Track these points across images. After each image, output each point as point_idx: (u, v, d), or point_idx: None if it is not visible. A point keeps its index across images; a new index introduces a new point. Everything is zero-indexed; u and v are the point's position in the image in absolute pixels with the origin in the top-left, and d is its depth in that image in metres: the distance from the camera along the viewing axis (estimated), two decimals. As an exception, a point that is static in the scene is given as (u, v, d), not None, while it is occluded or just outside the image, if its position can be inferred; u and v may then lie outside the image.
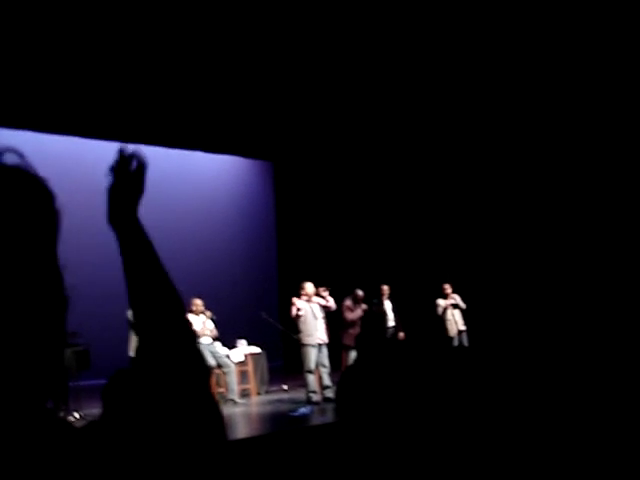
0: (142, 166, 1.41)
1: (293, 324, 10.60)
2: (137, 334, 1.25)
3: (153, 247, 1.35)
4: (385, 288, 12.13)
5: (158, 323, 1.24)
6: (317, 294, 10.38)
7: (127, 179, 1.38)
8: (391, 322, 12.03)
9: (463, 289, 12.57)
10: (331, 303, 10.44)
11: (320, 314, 10.30)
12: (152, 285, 1.29)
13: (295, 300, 10.25)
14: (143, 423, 1.06)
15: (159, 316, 1.25)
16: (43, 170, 1.01)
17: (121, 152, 1.39)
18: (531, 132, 13.32)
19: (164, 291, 1.30)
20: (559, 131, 13.03)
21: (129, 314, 9.37)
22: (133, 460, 0.99)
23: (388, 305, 12.11)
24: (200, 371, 1.21)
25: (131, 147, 1.42)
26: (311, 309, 10.21)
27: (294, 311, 10.18)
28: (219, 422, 1.16)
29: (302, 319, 10.16)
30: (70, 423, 1.01)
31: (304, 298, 10.22)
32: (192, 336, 1.28)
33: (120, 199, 1.36)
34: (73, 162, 12.97)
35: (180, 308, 1.29)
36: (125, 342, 9.55)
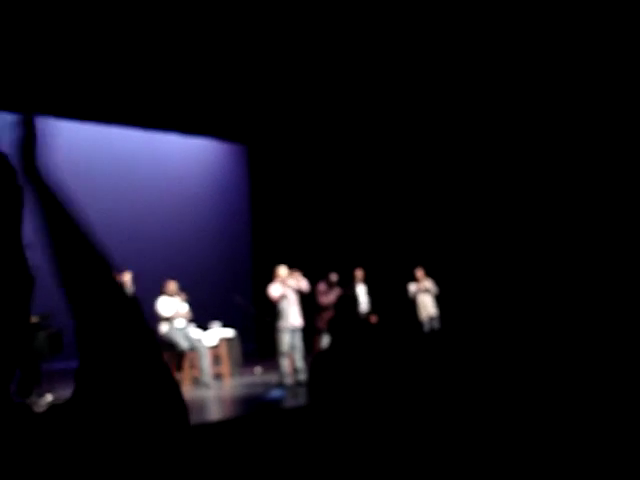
0: (28, 122, 1.39)
1: (267, 307, 10.61)
2: (68, 303, 1.18)
3: (64, 199, 1.28)
4: (359, 272, 12.18)
5: (83, 285, 1.17)
6: (290, 277, 10.39)
7: (22, 130, 1.36)
8: (364, 306, 12.08)
9: (435, 274, 12.64)
10: (304, 285, 10.45)
11: (295, 297, 10.32)
12: (71, 243, 1.23)
13: (271, 285, 10.25)
14: (109, 405, 1.06)
15: (82, 276, 1.18)
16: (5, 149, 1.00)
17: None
18: (500, 122, 13.39)
19: (83, 249, 1.23)
20: (529, 123, 13.11)
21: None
22: (94, 444, 0.99)
23: (361, 289, 12.15)
24: (143, 333, 1.16)
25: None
26: (286, 292, 10.23)
27: (276, 294, 10.15)
28: (179, 401, 1.15)
29: (277, 303, 10.17)
30: (29, 407, 0.99)
31: (278, 282, 10.23)
32: (122, 294, 1.20)
33: (23, 151, 1.34)
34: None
35: (102, 264, 1.22)
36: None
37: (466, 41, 11.32)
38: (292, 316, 10.17)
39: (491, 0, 10.24)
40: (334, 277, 11.45)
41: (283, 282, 10.22)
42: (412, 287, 12.33)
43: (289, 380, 9.98)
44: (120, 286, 1.19)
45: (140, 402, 1.09)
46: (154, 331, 1.19)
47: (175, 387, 1.17)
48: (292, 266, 10.55)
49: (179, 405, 1.16)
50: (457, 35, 11.13)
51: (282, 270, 10.29)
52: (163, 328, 10.46)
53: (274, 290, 10.18)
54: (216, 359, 11.47)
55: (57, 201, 1.24)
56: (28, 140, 1.33)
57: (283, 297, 10.16)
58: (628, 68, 11.48)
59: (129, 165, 13.58)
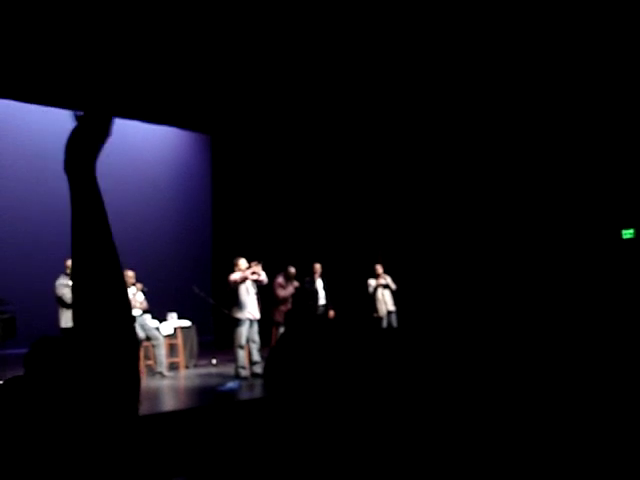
0: (109, 116, 1.36)
1: (225, 299, 10.58)
2: (73, 291, 1.21)
3: (103, 203, 1.30)
4: (317, 266, 12.19)
5: (96, 284, 1.21)
6: (249, 268, 10.38)
7: (90, 126, 1.33)
8: (322, 300, 12.10)
9: (394, 270, 12.72)
10: (263, 277, 10.44)
11: (253, 289, 10.31)
12: (95, 240, 1.26)
13: (231, 275, 10.24)
14: (60, 389, 1.06)
15: (97, 276, 1.22)
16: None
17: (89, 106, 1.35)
18: (462, 119, 13.50)
19: (105, 248, 1.26)
20: (495, 121, 13.24)
21: (58, 290, 9.23)
22: (40, 424, 0.99)
23: (320, 283, 12.18)
24: (130, 341, 1.20)
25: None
26: (245, 284, 10.21)
27: (236, 277, 10.13)
28: (135, 396, 1.16)
29: (235, 292, 10.16)
30: None
31: (238, 272, 10.21)
32: (127, 301, 1.25)
33: (79, 146, 1.31)
34: (6, 126, 12.63)
35: (118, 272, 1.27)
36: (52, 310, 9.40)
37: (449, 40, 11.38)
38: (250, 307, 10.16)
39: (491, 0, 10.29)
40: (292, 270, 11.45)
41: (243, 273, 10.21)
42: (372, 282, 12.39)
43: (245, 372, 9.97)
44: (125, 293, 1.24)
45: (102, 394, 1.10)
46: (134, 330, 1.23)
47: (136, 379, 1.18)
48: (252, 258, 10.53)
49: (134, 394, 1.16)
50: (438, 33, 11.19)
51: (242, 261, 10.28)
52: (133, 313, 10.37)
53: (234, 275, 10.16)
54: (172, 349, 11.42)
55: (92, 203, 1.25)
56: (81, 136, 1.30)
57: (242, 287, 10.14)
58: (628, 68, 11.61)
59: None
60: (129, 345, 1.20)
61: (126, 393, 1.15)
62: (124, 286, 1.27)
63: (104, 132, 1.33)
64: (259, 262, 10.46)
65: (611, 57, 11.73)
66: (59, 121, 12.90)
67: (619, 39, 11.17)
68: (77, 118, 1.32)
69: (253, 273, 10.28)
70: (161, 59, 11.29)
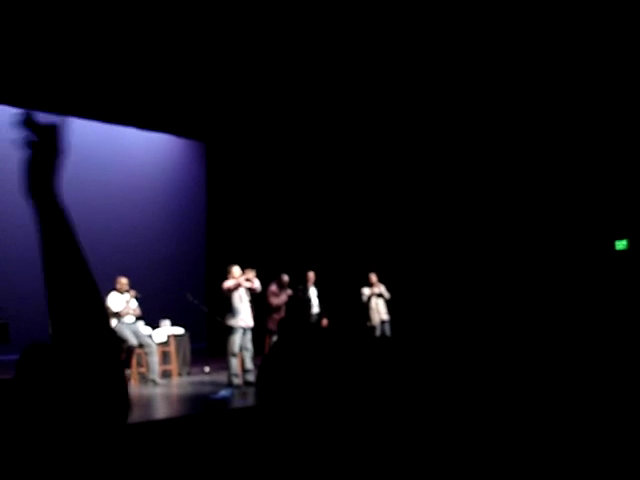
0: (54, 131, 1.37)
1: (219, 307, 10.57)
2: (49, 310, 1.22)
3: (69, 222, 1.31)
4: (311, 275, 12.18)
5: (70, 301, 1.22)
6: (243, 276, 10.36)
7: (42, 148, 1.33)
8: (315, 309, 12.09)
9: (387, 279, 12.72)
10: (256, 285, 10.43)
11: (246, 297, 10.30)
12: (65, 261, 1.26)
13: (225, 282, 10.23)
14: (49, 396, 1.06)
15: (71, 294, 1.23)
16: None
17: (28, 121, 1.35)
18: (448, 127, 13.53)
19: (76, 267, 1.27)
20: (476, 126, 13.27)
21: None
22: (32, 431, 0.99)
23: (313, 292, 12.17)
24: (110, 353, 1.20)
25: (38, 115, 1.39)
26: (238, 292, 10.20)
27: (230, 284, 10.12)
28: (123, 404, 1.16)
29: (228, 300, 10.14)
30: None
31: (231, 280, 10.20)
32: (105, 317, 1.26)
33: (37, 169, 1.32)
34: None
35: (92, 288, 1.27)
36: (46, 317, 9.36)
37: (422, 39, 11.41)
38: (243, 315, 10.14)
39: (491, 0, 10.30)
40: (286, 278, 11.44)
41: (236, 280, 10.19)
42: (366, 291, 12.38)
43: (238, 380, 9.95)
44: (103, 312, 1.25)
45: (91, 402, 1.10)
46: (119, 343, 1.26)
47: (123, 386, 1.19)
48: (245, 266, 10.52)
49: (123, 402, 1.17)
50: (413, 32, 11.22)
51: (235, 269, 10.27)
52: (111, 323, 10.34)
53: (227, 282, 10.16)
54: (165, 356, 11.39)
55: (59, 223, 1.26)
56: (41, 155, 1.31)
57: (236, 295, 10.13)
58: (628, 68, 11.63)
59: (84, 157, 13.39)
60: (108, 356, 1.20)
61: (112, 401, 1.15)
62: (100, 302, 1.27)
63: (56, 151, 1.35)
64: (253, 269, 10.46)
65: (602, 68, 11.77)
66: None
67: (606, 51, 11.21)
68: (28, 144, 1.33)
69: (247, 280, 10.27)
70: (157, 67, 11.31)
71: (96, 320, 1.23)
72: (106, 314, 1.27)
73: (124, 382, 1.22)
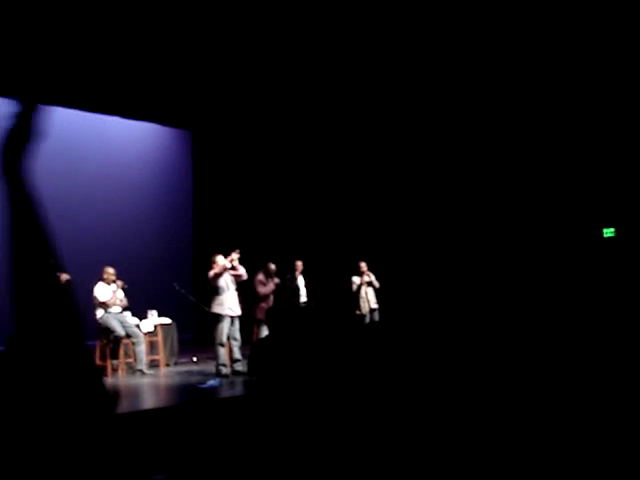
0: (30, 115, 1.35)
1: (206, 296, 10.53)
2: (13, 290, 1.20)
3: (37, 205, 1.29)
4: (299, 264, 12.16)
5: (32, 281, 1.19)
6: (232, 267, 10.31)
7: (22, 129, 1.32)
8: (303, 298, 12.08)
9: (376, 268, 12.71)
10: (242, 271, 10.38)
11: (233, 285, 10.26)
12: (30, 243, 1.24)
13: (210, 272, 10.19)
14: (25, 391, 1.04)
15: (34, 273, 1.21)
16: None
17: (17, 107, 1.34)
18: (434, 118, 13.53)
19: (40, 251, 1.25)
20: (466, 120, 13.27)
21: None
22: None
23: (301, 281, 12.15)
24: (71, 331, 1.18)
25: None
26: (224, 280, 10.16)
27: (216, 269, 10.08)
28: (102, 395, 1.14)
29: (215, 289, 10.10)
30: None
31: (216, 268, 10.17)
32: (68, 301, 1.24)
33: (13, 148, 1.31)
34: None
35: (54, 268, 1.25)
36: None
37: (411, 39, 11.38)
38: (230, 303, 10.11)
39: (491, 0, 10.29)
40: (272, 267, 11.40)
41: (221, 265, 10.15)
42: (356, 280, 12.38)
43: (226, 370, 9.92)
44: (64, 289, 1.23)
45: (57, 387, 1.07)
46: (83, 336, 1.23)
47: (97, 376, 1.16)
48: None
49: (98, 392, 1.14)
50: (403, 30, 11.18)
51: (219, 258, 10.23)
52: (98, 313, 10.31)
53: (213, 270, 10.12)
54: (152, 347, 11.35)
55: (26, 202, 1.25)
56: (16, 135, 1.30)
57: (222, 283, 10.09)
58: (628, 68, 11.64)
59: (69, 146, 13.29)
60: (71, 334, 1.18)
61: (88, 391, 1.12)
62: (62, 286, 1.26)
63: (33, 133, 1.33)
64: (236, 250, 10.35)
65: (594, 62, 11.78)
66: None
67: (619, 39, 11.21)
68: (10, 122, 1.33)
69: (232, 268, 10.22)
70: (142, 55, 11.22)
71: (58, 302, 1.20)
72: (70, 300, 1.24)
73: (96, 371, 1.19)
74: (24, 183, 1.26)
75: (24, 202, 1.25)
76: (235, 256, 10.22)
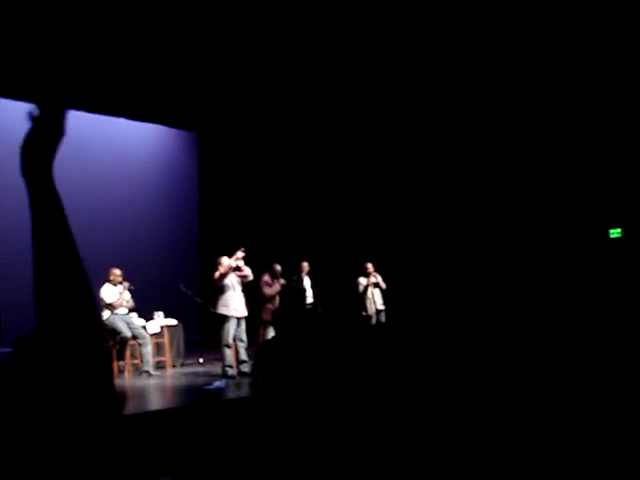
0: (60, 113, 1.33)
1: (211, 297, 10.53)
2: (36, 295, 1.19)
3: (62, 207, 1.28)
4: (305, 265, 12.16)
5: (57, 287, 1.19)
6: (237, 267, 10.32)
7: (44, 127, 1.30)
8: (309, 299, 12.08)
9: (382, 269, 12.71)
10: (248, 272, 10.39)
11: (239, 287, 10.27)
12: (55, 247, 1.23)
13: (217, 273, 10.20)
14: (38, 389, 1.04)
15: (59, 280, 1.20)
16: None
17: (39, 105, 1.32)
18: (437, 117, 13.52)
19: (66, 254, 1.24)
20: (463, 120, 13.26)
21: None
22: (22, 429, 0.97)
23: (307, 282, 12.15)
24: (96, 343, 1.18)
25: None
26: (230, 281, 10.17)
27: (222, 270, 10.10)
28: (112, 395, 1.14)
29: (220, 289, 10.12)
30: None
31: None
32: (92, 305, 1.23)
33: (35, 149, 1.28)
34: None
35: (81, 275, 1.24)
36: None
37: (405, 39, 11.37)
38: (236, 304, 10.12)
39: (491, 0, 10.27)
40: (278, 268, 11.39)
41: (227, 265, 10.15)
42: (362, 281, 12.38)
43: (232, 371, 9.93)
44: (90, 296, 1.22)
45: (80, 396, 1.07)
46: (104, 337, 1.23)
47: (108, 380, 1.16)
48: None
49: (110, 393, 1.14)
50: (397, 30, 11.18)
51: (224, 259, 10.25)
52: (105, 315, 10.34)
53: (221, 268, 10.13)
54: (158, 348, 11.37)
55: (50, 207, 1.23)
56: (38, 138, 1.28)
57: (228, 284, 10.10)
58: (628, 69, 11.61)
59: (76, 148, 13.30)
60: (97, 347, 1.17)
61: (99, 391, 1.12)
62: (89, 290, 1.24)
63: (58, 132, 1.31)
64: (241, 248, 10.35)
65: (599, 61, 11.76)
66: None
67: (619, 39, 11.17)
68: (31, 119, 1.30)
69: (238, 269, 10.23)
70: (148, 57, 11.24)
71: (83, 307, 1.20)
72: (94, 302, 1.24)
73: (111, 373, 1.19)
74: (47, 185, 1.24)
75: (47, 205, 1.23)
76: (240, 254, 10.23)
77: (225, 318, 10.03)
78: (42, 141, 1.29)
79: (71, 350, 1.13)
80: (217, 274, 10.15)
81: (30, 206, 1.24)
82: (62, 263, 1.22)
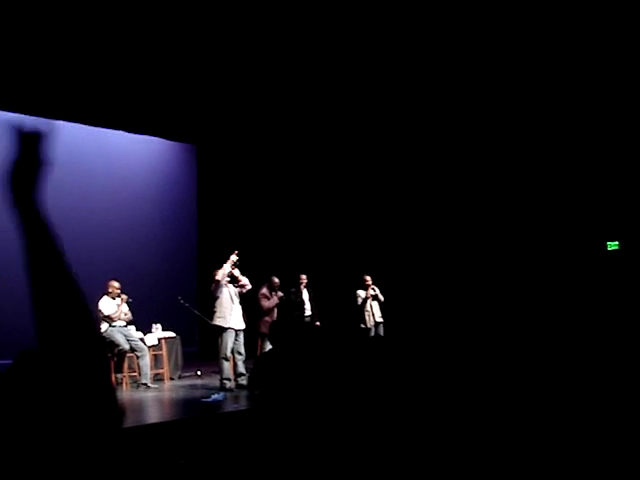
0: (39, 140, 1.35)
1: (209, 310, 10.53)
2: (36, 319, 1.21)
3: (52, 233, 1.30)
4: (303, 277, 12.16)
5: (55, 310, 1.20)
6: (231, 278, 10.32)
7: (27, 158, 1.32)
8: (308, 311, 12.07)
9: (381, 281, 12.70)
10: (245, 281, 10.40)
11: (237, 299, 10.27)
12: (50, 275, 1.25)
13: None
14: (39, 402, 1.05)
15: (56, 304, 1.21)
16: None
17: (19, 131, 1.34)
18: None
19: (61, 281, 1.26)
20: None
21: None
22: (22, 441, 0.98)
23: (305, 294, 12.14)
24: (96, 360, 1.19)
25: (28, 122, 1.38)
26: (229, 292, 10.17)
27: (219, 277, 10.10)
28: (113, 409, 1.15)
29: (218, 301, 10.11)
30: None
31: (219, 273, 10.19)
32: (91, 325, 1.25)
33: (22, 179, 1.30)
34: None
35: (77, 297, 1.26)
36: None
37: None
38: (234, 316, 10.11)
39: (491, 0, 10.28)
40: (276, 280, 11.38)
41: (223, 270, 10.16)
42: (361, 293, 12.35)
43: (230, 384, 9.91)
44: (89, 319, 1.24)
45: (79, 409, 1.08)
46: (106, 353, 1.24)
47: (111, 393, 1.17)
48: (237, 268, 10.49)
49: (111, 406, 1.15)
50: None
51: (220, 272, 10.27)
52: (103, 327, 10.33)
53: (216, 276, 10.13)
54: (156, 360, 11.35)
55: (43, 234, 1.25)
56: (25, 165, 1.30)
57: (226, 296, 10.10)
58: (628, 69, 11.62)
59: (74, 160, 13.32)
60: (95, 363, 1.19)
61: (100, 405, 1.13)
62: (85, 310, 1.27)
63: (39, 161, 1.33)
64: (236, 252, 10.36)
65: (596, 72, 11.79)
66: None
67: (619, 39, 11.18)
68: (16, 136, 1.32)
69: (235, 279, 10.25)
70: (146, 70, 11.27)
71: (82, 328, 1.21)
72: (92, 321, 1.26)
73: (112, 388, 1.20)
74: (38, 213, 1.27)
75: (39, 233, 1.26)
76: (234, 258, 10.24)
77: (223, 330, 10.02)
78: (27, 171, 1.31)
79: (72, 364, 1.14)
80: (213, 285, 10.17)
81: (22, 234, 1.26)
82: (56, 285, 1.24)
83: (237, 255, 10.28)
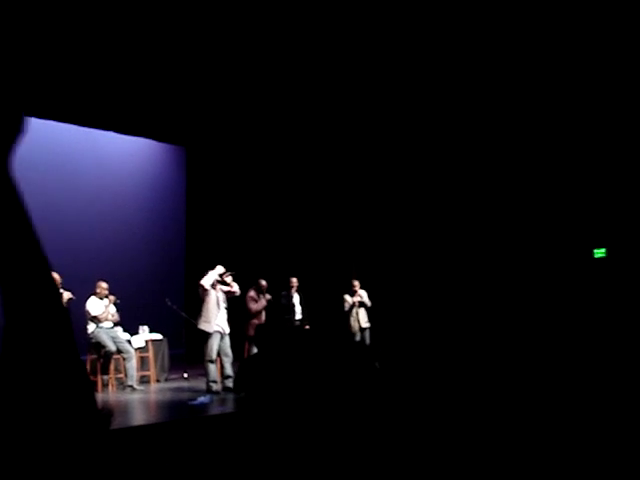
0: (20, 111, 1.31)
1: (197, 312, 10.52)
2: (2, 297, 1.18)
3: (22, 199, 1.25)
4: (294, 280, 12.16)
5: (21, 281, 1.17)
6: (222, 281, 10.34)
7: (2, 121, 1.28)
8: (298, 315, 12.07)
9: (369, 285, 12.70)
10: (235, 288, 10.41)
11: (223, 304, 10.26)
12: (16, 240, 1.21)
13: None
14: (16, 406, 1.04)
15: (22, 272, 1.18)
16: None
17: None
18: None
19: (28, 248, 1.22)
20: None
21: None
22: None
23: (296, 298, 12.14)
24: (62, 334, 1.16)
25: None
26: (216, 297, 10.16)
27: (206, 283, 10.10)
28: (95, 413, 1.14)
29: (205, 305, 10.10)
30: None
31: (207, 278, 10.19)
32: (58, 302, 1.22)
33: None
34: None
35: (45, 267, 1.22)
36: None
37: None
38: (219, 321, 10.10)
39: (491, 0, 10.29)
40: (264, 283, 11.38)
41: (214, 286, 10.17)
42: (348, 299, 12.33)
43: (216, 386, 9.90)
44: (55, 292, 1.21)
45: (49, 401, 1.07)
46: (74, 344, 1.19)
47: (89, 393, 1.16)
48: (226, 270, 10.49)
49: (89, 410, 1.14)
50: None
51: (205, 281, 10.27)
52: (90, 328, 10.29)
53: (205, 280, 10.13)
54: (143, 362, 11.32)
55: (12, 200, 1.22)
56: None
57: (213, 300, 10.09)
58: (628, 69, 11.65)
59: (63, 160, 13.30)
60: (61, 335, 1.17)
61: (83, 409, 1.12)
62: (54, 286, 1.23)
63: (17, 128, 1.29)
64: (231, 273, 10.41)
65: (611, 57, 11.78)
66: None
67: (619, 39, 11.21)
68: None
69: (225, 284, 10.26)
70: (136, 71, 11.25)
71: (48, 302, 1.18)
72: (59, 298, 1.22)
73: (92, 389, 1.19)
74: (9, 180, 1.22)
75: (8, 199, 1.21)
76: (221, 269, 10.28)
77: (208, 334, 10.01)
78: (2, 137, 1.26)
79: (43, 365, 1.12)
80: (200, 290, 10.18)
81: None
82: (22, 251, 1.20)
83: (232, 276, 10.36)
